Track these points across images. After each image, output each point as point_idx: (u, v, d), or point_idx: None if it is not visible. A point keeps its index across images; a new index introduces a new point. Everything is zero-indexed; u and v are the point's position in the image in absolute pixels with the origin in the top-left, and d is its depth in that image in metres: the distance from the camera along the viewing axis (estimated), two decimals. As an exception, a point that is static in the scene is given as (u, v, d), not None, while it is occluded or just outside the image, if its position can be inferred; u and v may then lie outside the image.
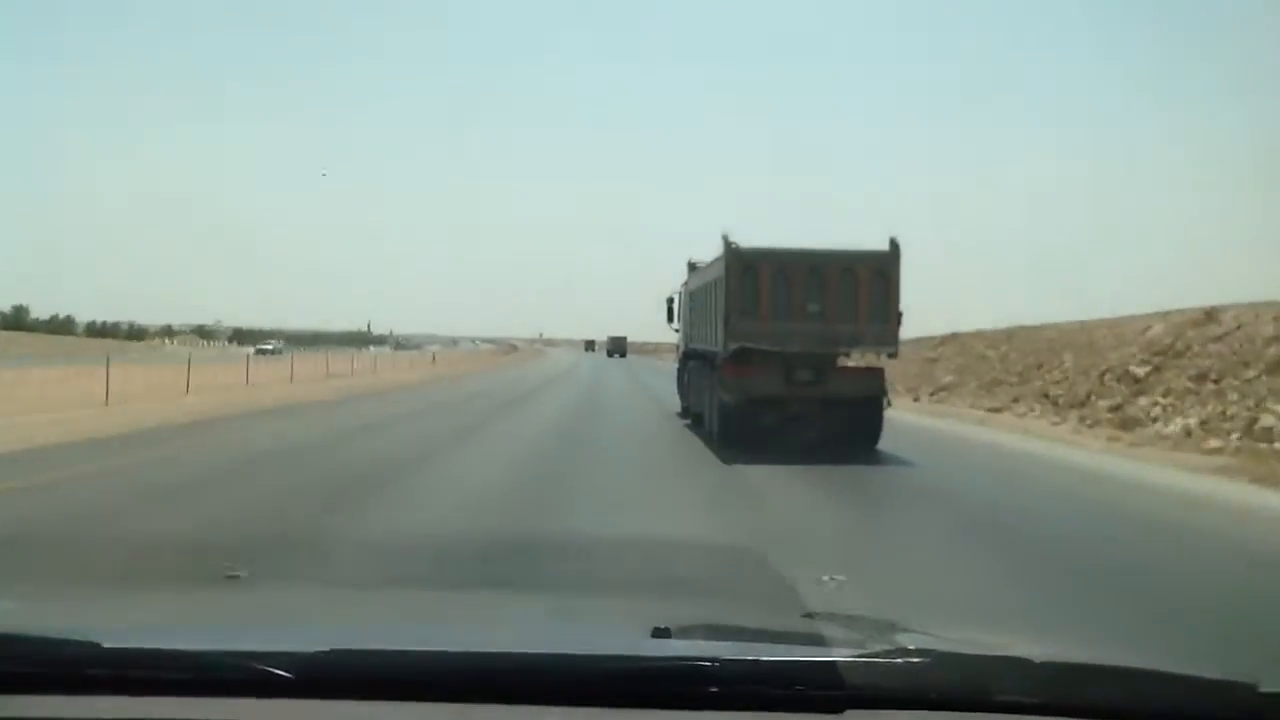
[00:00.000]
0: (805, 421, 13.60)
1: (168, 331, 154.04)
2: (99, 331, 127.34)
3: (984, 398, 23.85)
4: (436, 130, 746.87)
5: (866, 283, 13.36)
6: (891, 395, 14.68)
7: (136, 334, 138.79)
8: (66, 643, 1.57)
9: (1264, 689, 1.47)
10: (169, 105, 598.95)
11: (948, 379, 27.61)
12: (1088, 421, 18.03)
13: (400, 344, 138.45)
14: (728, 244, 13.59)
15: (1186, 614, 5.41)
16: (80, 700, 1.46)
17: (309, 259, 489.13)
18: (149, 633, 1.81)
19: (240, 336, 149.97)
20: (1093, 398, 19.43)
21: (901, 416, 21.94)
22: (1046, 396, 21.27)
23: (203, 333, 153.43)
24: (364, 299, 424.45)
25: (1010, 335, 28.13)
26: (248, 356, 39.94)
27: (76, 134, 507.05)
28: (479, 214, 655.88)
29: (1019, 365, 24.76)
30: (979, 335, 30.56)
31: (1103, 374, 20.03)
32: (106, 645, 1.54)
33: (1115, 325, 22.82)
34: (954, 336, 32.22)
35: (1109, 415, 17.90)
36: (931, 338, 33.60)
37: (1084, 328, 24.29)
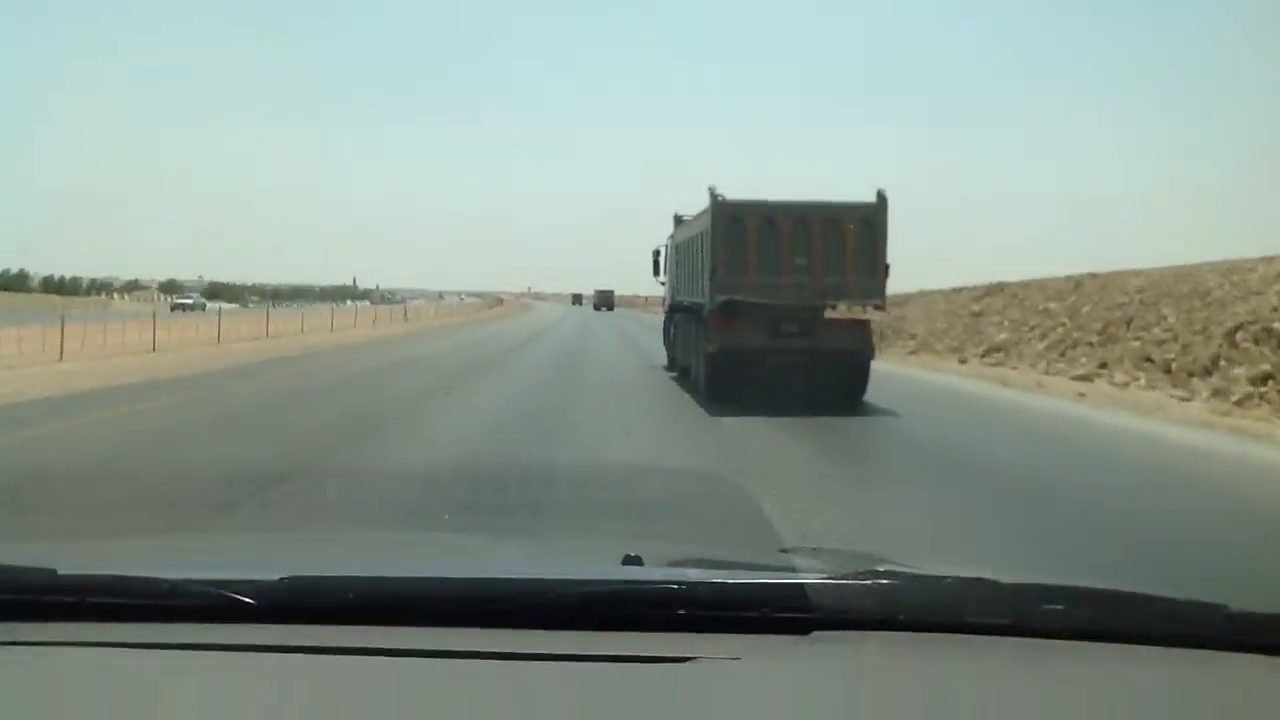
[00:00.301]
0: (792, 374, 13.39)
1: (134, 286, 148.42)
2: (56, 287, 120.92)
3: (1058, 361, 19.07)
4: (431, 91, 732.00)
5: (853, 235, 13.19)
6: (927, 354, 15.75)
7: (99, 290, 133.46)
8: (19, 569, 1.53)
9: (1234, 609, 1.45)
10: (167, 65, 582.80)
11: (1001, 337, 22.70)
12: (1232, 396, 13.47)
13: (386, 298, 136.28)
14: (714, 196, 13.36)
15: None
16: (36, 626, 1.41)
17: (302, 215, 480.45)
18: (108, 562, 1.74)
19: (213, 292, 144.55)
20: (1222, 363, 14.88)
21: (959, 384, 17.60)
22: (1150, 361, 16.65)
23: (171, 288, 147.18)
24: (355, 255, 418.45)
25: (1078, 285, 23.31)
26: (156, 314, 34.62)
27: (70, 88, 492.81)
28: (470, 172, 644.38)
29: (1096, 321, 20.09)
30: (1034, 285, 25.66)
31: (1232, 332, 15.41)
32: (63, 571, 1.50)
33: (1230, 271, 18.10)
34: (1000, 286, 27.48)
35: (1259, 389, 13.38)
36: (972, 288, 28.94)
37: (1182, 275, 19.54)
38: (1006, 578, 1.51)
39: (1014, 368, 19.94)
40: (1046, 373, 18.52)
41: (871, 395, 13.41)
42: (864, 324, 13.91)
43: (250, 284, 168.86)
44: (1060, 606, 1.46)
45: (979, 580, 1.51)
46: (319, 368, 19.62)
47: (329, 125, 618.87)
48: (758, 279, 13.09)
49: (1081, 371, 17.68)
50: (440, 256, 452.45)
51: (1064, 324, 21.22)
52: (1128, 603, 1.51)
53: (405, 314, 57.50)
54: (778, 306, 13.21)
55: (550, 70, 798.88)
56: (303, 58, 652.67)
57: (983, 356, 22.14)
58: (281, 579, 1.45)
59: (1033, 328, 22.32)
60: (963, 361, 22.27)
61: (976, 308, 26.31)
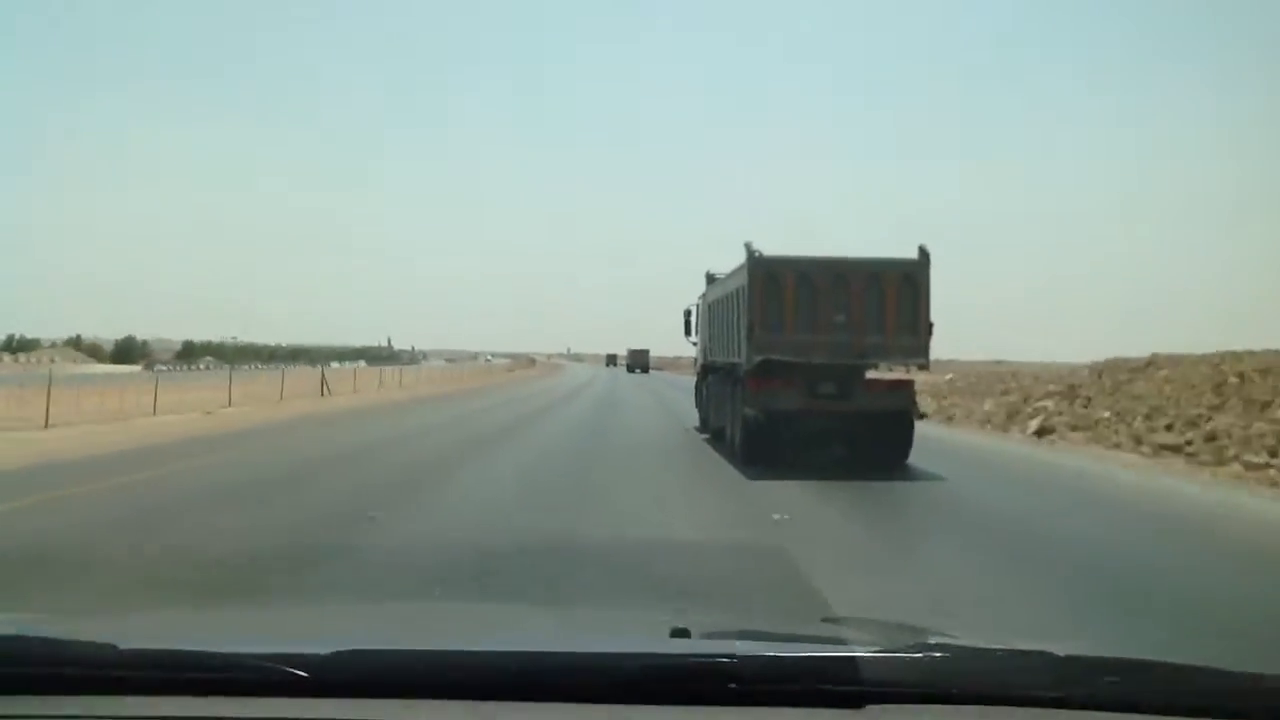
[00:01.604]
0: (832, 436, 13.11)
1: (75, 343, 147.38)
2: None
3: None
4: (468, 151, 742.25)
5: (895, 292, 12.77)
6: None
7: (25, 347, 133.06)
8: (82, 644, 1.55)
9: (1269, 675, 1.42)
10: (182, 109, 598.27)
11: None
12: None
13: (415, 359, 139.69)
14: (750, 252, 13.01)
15: None
16: (96, 700, 1.43)
17: (340, 276, 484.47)
18: (166, 636, 1.79)
19: (188, 351, 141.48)
20: None
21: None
22: None
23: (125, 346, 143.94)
24: (395, 316, 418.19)
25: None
26: None
27: (77, 144, 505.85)
28: (508, 233, 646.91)
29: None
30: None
31: None
32: (123, 646, 1.52)
33: None
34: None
35: None
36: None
37: None
38: (1059, 649, 1.49)
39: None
40: None
41: None
42: (907, 384, 13.50)
43: (275, 344, 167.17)
44: (1114, 678, 1.45)
45: (1029, 652, 1.52)
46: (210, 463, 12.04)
47: (368, 182, 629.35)
48: (796, 337, 12.76)
49: None
50: (480, 318, 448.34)
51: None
52: (1183, 674, 1.50)
53: (352, 380, 41.82)
54: (816, 366, 12.80)
55: (592, 133, 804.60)
56: (337, 129, 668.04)
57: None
58: (333, 653, 1.46)
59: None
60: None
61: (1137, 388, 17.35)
